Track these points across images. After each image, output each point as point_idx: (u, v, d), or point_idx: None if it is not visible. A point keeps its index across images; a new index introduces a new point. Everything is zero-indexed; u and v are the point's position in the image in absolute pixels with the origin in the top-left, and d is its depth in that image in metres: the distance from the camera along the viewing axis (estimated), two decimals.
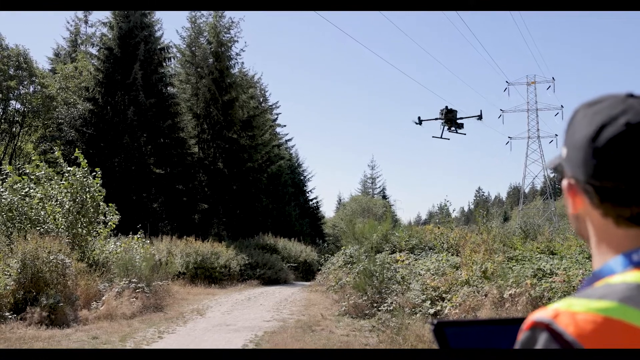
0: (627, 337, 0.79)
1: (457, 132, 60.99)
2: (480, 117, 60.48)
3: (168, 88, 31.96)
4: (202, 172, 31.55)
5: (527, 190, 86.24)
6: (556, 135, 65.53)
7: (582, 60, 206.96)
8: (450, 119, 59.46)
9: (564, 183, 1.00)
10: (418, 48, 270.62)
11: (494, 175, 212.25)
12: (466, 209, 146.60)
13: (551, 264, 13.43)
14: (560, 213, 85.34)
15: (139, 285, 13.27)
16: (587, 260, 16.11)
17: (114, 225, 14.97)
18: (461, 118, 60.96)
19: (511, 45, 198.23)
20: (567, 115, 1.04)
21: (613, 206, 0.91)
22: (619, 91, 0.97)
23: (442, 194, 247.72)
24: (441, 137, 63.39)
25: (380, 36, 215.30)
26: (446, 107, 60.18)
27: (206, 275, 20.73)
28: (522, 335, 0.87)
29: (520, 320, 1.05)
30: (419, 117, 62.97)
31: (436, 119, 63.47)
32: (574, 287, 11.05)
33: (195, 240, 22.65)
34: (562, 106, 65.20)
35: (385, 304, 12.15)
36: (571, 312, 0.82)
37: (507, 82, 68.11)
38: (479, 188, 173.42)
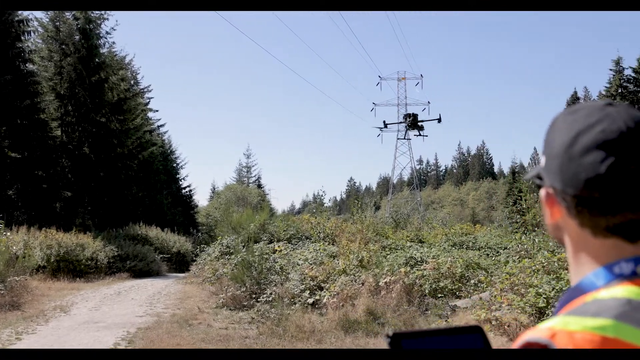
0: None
1: (419, 134, 64.29)
2: (439, 120, 63.84)
3: (27, 65, 29.44)
4: (66, 157, 29.54)
5: (395, 181, 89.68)
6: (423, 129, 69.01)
7: (447, 60, 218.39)
8: (413, 122, 62.69)
9: (542, 192, 0.98)
10: (295, 37, 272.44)
11: (366, 166, 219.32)
12: (338, 199, 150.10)
13: (421, 252, 13.97)
14: (426, 202, 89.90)
15: None
16: (453, 248, 16.93)
17: None
18: (422, 121, 63.90)
19: (384, 41, 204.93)
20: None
21: (589, 216, 0.88)
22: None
23: (316, 183, 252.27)
24: (405, 138, 66.63)
25: (257, 24, 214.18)
26: (411, 113, 63.51)
27: (70, 268, 19.36)
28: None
29: (478, 329, 1.02)
30: (384, 122, 66.71)
31: (400, 122, 66.40)
32: (442, 273, 11.52)
33: (58, 231, 21.14)
34: (428, 102, 69.28)
35: (264, 295, 12.02)
36: (568, 332, 0.79)
37: (379, 77, 70.80)
38: (351, 178, 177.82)
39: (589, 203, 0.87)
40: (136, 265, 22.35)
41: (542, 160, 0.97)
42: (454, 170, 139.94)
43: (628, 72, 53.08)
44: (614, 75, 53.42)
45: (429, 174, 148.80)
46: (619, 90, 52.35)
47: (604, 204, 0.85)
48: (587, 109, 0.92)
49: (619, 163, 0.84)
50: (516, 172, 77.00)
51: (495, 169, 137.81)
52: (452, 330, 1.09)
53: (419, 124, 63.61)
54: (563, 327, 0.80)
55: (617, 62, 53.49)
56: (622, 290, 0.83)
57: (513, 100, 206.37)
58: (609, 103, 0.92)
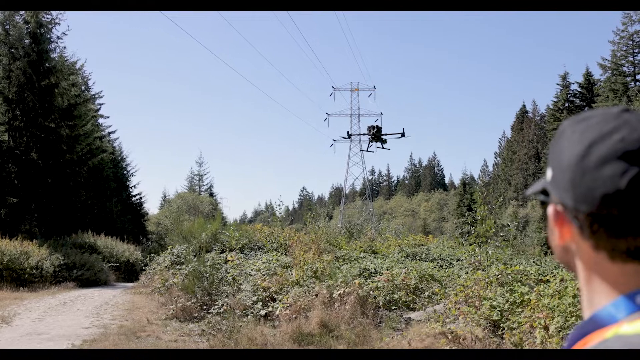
0: None
1: (383, 147, 64.39)
2: (403, 134, 64.09)
3: None
4: (12, 162, 28.61)
5: (348, 191, 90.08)
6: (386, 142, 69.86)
7: (399, 71, 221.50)
8: (376, 134, 62.72)
9: (550, 209, 0.87)
10: (249, 46, 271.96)
11: (318, 175, 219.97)
12: (291, 208, 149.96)
13: (375, 264, 13.95)
14: (378, 213, 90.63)
15: None
16: (406, 259, 16.99)
17: None
18: (386, 134, 64.07)
19: (338, 52, 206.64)
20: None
21: (607, 237, 0.77)
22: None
23: (268, 192, 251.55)
24: (367, 150, 66.82)
25: (210, 32, 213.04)
26: (375, 125, 63.54)
27: (14, 277, 18.70)
28: None
29: None
30: (347, 132, 66.97)
31: (364, 134, 66.51)
32: (396, 285, 11.50)
33: (2, 238, 20.41)
34: (381, 113, 70.66)
35: (216, 306, 11.80)
36: None
37: (333, 87, 71.27)
38: (304, 187, 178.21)
39: (607, 222, 0.76)
40: (83, 274, 21.69)
41: (548, 173, 0.87)
42: (406, 181, 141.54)
43: (574, 87, 54.89)
44: (561, 89, 55.15)
45: (381, 184, 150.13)
46: (566, 105, 54.02)
47: (625, 223, 0.75)
48: (601, 116, 0.82)
49: None
50: (466, 184, 78.45)
51: (446, 181, 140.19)
52: None
53: (383, 137, 63.92)
54: None
55: (564, 77, 55.28)
56: None
57: (464, 113, 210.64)
58: (625, 109, 0.82)
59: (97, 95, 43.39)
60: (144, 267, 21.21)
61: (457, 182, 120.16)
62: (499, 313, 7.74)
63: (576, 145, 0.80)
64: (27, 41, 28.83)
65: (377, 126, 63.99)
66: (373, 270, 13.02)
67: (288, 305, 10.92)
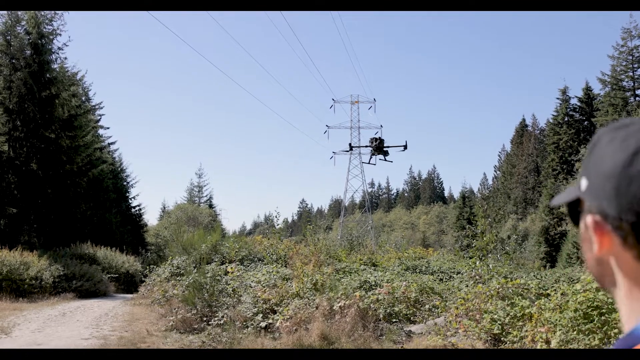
0: None
1: (385, 160, 64.33)
2: (405, 147, 64.02)
3: None
4: (12, 172, 28.61)
5: (347, 204, 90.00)
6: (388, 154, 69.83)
7: (399, 85, 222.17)
8: (379, 147, 62.68)
9: (588, 220, 0.83)
10: (250, 59, 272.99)
11: (317, 188, 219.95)
12: (290, 220, 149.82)
13: (375, 276, 13.95)
14: (377, 225, 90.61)
15: None
16: (406, 272, 16.98)
17: None
18: (388, 147, 64.04)
19: (339, 65, 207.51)
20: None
21: None
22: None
23: (267, 204, 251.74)
24: (368, 163, 66.77)
25: (211, 43, 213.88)
26: (378, 137, 63.52)
27: (13, 288, 18.65)
28: None
29: None
30: (349, 144, 66.87)
31: (366, 146, 66.46)
32: (397, 298, 11.51)
33: (2, 248, 20.37)
34: (381, 125, 70.76)
35: (216, 318, 11.75)
36: None
37: (333, 99, 71.32)
38: (303, 200, 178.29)
39: None
40: (82, 285, 21.63)
41: (583, 183, 0.84)
42: (405, 194, 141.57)
43: (574, 101, 55.05)
44: (560, 104, 55.29)
45: (380, 197, 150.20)
46: (566, 119, 54.15)
47: None
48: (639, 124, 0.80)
49: None
50: (466, 197, 78.48)
51: (446, 193, 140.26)
52: None
53: (385, 149, 63.74)
54: None
55: (564, 92, 55.42)
56: None
57: (463, 126, 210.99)
58: None
59: (97, 106, 43.54)
60: (143, 278, 21.17)
61: (456, 195, 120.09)
62: (500, 327, 7.73)
63: (618, 153, 0.78)
64: (28, 52, 28.93)
65: (379, 138, 63.64)
66: (373, 283, 13.02)
67: (288, 317, 10.90)
